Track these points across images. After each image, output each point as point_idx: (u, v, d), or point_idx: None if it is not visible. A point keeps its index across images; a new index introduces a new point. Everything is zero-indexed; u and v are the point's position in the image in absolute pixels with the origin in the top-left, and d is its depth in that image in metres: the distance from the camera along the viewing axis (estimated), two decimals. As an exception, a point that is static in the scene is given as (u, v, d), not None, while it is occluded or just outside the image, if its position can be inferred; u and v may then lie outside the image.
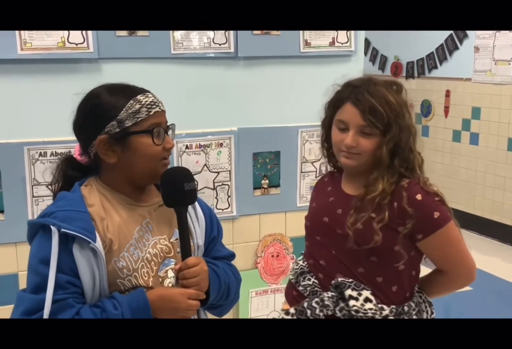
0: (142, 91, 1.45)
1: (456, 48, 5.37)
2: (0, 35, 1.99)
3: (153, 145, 1.42)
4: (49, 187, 1.57)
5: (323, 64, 2.51)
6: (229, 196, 2.45)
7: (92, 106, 1.43)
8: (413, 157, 1.62)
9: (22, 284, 2.10)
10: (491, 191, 5.14)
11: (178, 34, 2.25)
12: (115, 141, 1.40)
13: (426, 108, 5.69)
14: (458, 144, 5.40)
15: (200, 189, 2.40)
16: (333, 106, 1.67)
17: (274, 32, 2.38)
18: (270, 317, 2.61)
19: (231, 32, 2.32)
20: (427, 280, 1.76)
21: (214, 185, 2.43)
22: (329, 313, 1.61)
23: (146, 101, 1.42)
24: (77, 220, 1.36)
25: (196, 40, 2.29)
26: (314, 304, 1.62)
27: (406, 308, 1.63)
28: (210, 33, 2.30)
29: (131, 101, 1.40)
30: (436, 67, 5.59)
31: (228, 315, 2.54)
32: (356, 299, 1.59)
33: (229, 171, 2.44)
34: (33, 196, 2.16)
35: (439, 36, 5.47)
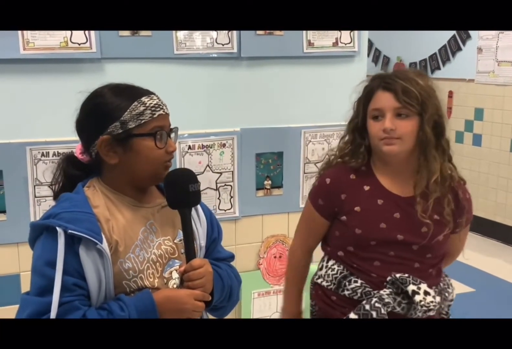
0: (147, 92, 1.44)
1: (459, 49, 5.36)
2: (2, 34, 1.98)
3: (156, 149, 1.41)
4: (51, 187, 1.55)
5: (326, 64, 2.51)
6: (231, 197, 2.45)
7: (96, 106, 1.41)
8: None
9: (24, 284, 2.11)
10: (494, 193, 5.12)
11: (181, 34, 2.25)
12: (117, 142, 1.39)
13: (429, 109, 5.67)
14: (460, 145, 5.38)
15: (203, 190, 2.38)
16: (364, 99, 1.67)
17: (277, 32, 2.37)
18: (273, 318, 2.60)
19: (234, 32, 2.32)
20: None
21: (216, 186, 2.42)
22: (389, 309, 1.62)
23: (151, 103, 1.41)
24: (83, 221, 1.34)
25: (199, 40, 2.28)
26: (377, 305, 1.61)
27: (442, 285, 1.73)
28: (213, 33, 2.29)
29: (136, 103, 1.39)
30: (439, 68, 5.58)
31: (230, 316, 2.54)
32: (418, 293, 1.62)
33: (232, 171, 2.43)
34: (35, 196, 2.15)
35: (442, 37, 5.46)
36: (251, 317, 2.56)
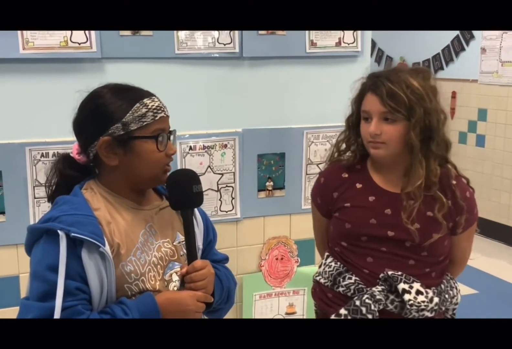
0: (148, 94, 1.42)
1: (463, 49, 5.35)
2: (1, 34, 1.96)
3: (156, 151, 1.39)
4: (45, 188, 1.51)
5: (329, 64, 2.49)
6: (233, 198, 2.43)
7: (96, 106, 1.39)
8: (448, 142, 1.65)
9: (23, 286, 2.08)
10: (498, 194, 5.11)
11: (182, 33, 2.23)
12: (118, 143, 1.38)
13: (432, 110, 5.65)
14: (464, 146, 5.37)
15: (204, 191, 2.35)
16: (358, 99, 1.67)
17: (279, 32, 2.35)
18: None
19: (236, 32, 2.30)
20: None
21: (218, 187, 2.40)
22: (381, 307, 1.62)
23: (153, 105, 1.39)
24: (85, 224, 1.32)
25: (201, 40, 2.26)
26: (367, 301, 1.61)
27: (442, 286, 1.69)
28: (215, 33, 2.27)
29: (138, 104, 1.38)
30: (442, 68, 5.56)
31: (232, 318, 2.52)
32: (409, 292, 1.61)
33: (233, 172, 2.41)
34: (35, 198, 2.13)
35: (446, 37, 5.45)
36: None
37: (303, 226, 2.39)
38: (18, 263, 2.14)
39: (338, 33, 2.45)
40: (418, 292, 1.62)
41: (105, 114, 1.38)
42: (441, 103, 1.65)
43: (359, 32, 2.48)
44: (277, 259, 2.55)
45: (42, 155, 2.11)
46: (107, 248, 1.32)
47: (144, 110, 1.38)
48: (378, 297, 1.62)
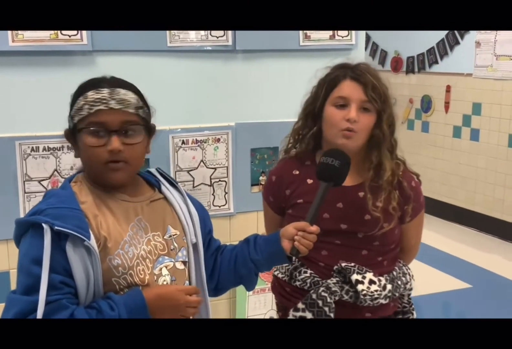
0: (103, 86, 1.37)
1: (457, 43, 5.34)
2: (-10, 26, 1.94)
3: (94, 146, 1.36)
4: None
5: (323, 57, 2.43)
6: (226, 193, 2.42)
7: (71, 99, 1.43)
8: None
9: (14, 282, 2.06)
10: (492, 188, 5.11)
11: (174, 26, 2.20)
12: (70, 135, 1.41)
13: (426, 104, 5.66)
14: (458, 140, 5.37)
15: (197, 186, 2.35)
16: (327, 86, 1.68)
17: (273, 25, 2.33)
18: (268, 315, 2.57)
19: (229, 24, 2.27)
20: None
21: (211, 182, 2.38)
22: (337, 298, 1.66)
23: (93, 97, 1.35)
24: (70, 217, 1.31)
25: (193, 32, 2.24)
26: (323, 293, 1.65)
27: (394, 273, 1.75)
28: (208, 26, 2.25)
29: (81, 97, 1.37)
30: (436, 62, 5.55)
31: (225, 315, 2.51)
32: (362, 282, 1.65)
33: (226, 167, 2.40)
34: (25, 192, 2.11)
35: (440, 31, 5.43)
36: (246, 314, 2.53)
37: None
38: (9, 258, 2.12)
39: (332, 26, 2.43)
40: (371, 282, 1.67)
41: (70, 107, 1.40)
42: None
43: (353, 25, 2.46)
44: (270, 254, 2.53)
45: (32, 149, 2.09)
46: (92, 241, 1.31)
47: (82, 103, 1.36)
48: (333, 289, 1.66)
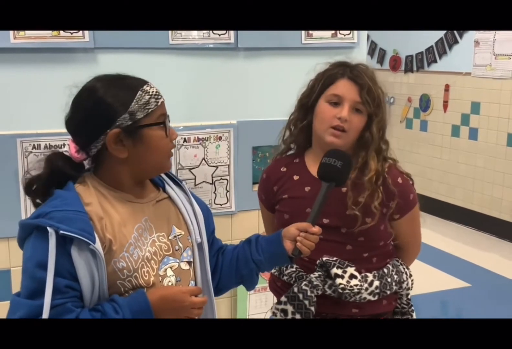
0: (143, 81, 1.39)
1: (456, 42, 5.33)
2: (-8, 23, 1.93)
3: (164, 137, 1.38)
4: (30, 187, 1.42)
5: (325, 56, 2.38)
6: (227, 191, 2.41)
7: (96, 101, 1.34)
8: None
9: (15, 280, 2.06)
10: (490, 187, 5.11)
11: (176, 23, 2.19)
12: (127, 134, 1.34)
13: (425, 103, 5.66)
14: (457, 139, 5.37)
15: (198, 184, 2.35)
16: (324, 81, 1.69)
17: (275, 23, 2.32)
18: (269, 314, 2.57)
19: (231, 22, 2.27)
20: None
21: (212, 180, 2.38)
22: (319, 292, 1.68)
23: (153, 91, 1.37)
24: (75, 220, 1.29)
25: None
26: (304, 287, 1.68)
27: (385, 270, 1.74)
28: (210, 23, 2.24)
29: (140, 92, 1.35)
30: (435, 61, 5.55)
31: (226, 313, 2.50)
32: (342, 276, 1.66)
33: (228, 165, 2.39)
34: (26, 190, 2.09)
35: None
36: (247, 313, 2.53)
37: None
38: (10, 256, 2.11)
39: (335, 24, 2.43)
40: (352, 276, 1.67)
41: (109, 107, 1.33)
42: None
43: (355, 23, 2.46)
44: (271, 252, 2.53)
45: (33, 147, 2.08)
46: (97, 245, 1.29)
47: (147, 97, 1.35)
48: (315, 283, 1.68)
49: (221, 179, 2.39)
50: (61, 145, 2.08)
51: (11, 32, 1.98)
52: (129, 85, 1.36)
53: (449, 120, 5.42)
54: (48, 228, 1.26)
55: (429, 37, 5.52)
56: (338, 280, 1.65)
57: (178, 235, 1.47)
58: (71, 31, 2.04)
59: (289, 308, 1.69)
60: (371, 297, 1.69)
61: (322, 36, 2.43)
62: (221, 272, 1.59)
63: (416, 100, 5.72)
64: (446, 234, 5.01)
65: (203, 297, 1.42)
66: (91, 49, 2.11)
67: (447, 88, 5.40)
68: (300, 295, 1.67)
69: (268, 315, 2.57)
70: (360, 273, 1.69)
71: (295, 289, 1.69)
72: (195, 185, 2.33)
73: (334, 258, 1.68)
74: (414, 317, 1.85)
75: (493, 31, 4.91)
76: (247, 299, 2.51)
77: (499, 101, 4.96)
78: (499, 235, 5.04)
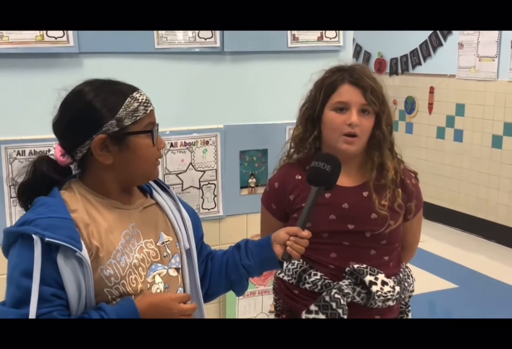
0: (134, 88, 1.38)
1: (440, 44, 5.37)
2: (-26, 28, 1.89)
3: (151, 146, 1.37)
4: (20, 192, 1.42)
5: (311, 59, 2.45)
6: (215, 196, 2.39)
7: (85, 105, 1.33)
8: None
9: (0, 288, 2.02)
10: (475, 188, 5.14)
11: (162, 28, 2.17)
12: (112, 141, 1.33)
13: (410, 105, 5.68)
14: (442, 141, 5.40)
15: (186, 189, 2.33)
16: (325, 90, 1.68)
17: (261, 27, 2.31)
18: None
19: (217, 26, 2.25)
20: None
21: (200, 184, 2.36)
22: (349, 300, 1.66)
23: (142, 99, 1.36)
24: (61, 228, 1.27)
25: (181, 34, 2.21)
26: (336, 295, 1.64)
27: (401, 275, 1.75)
28: (195, 27, 2.22)
29: (129, 99, 1.34)
30: (420, 64, 5.58)
31: (215, 318, 2.48)
32: (375, 283, 1.65)
33: (215, 169, 2.37)
34: (11, 197, 2.06)
35: (423, 33, 5.47)
36: (236, 318, 2.51)
37: (287, 223, 2.35)
38: (-6, 264, 2.07)
39: (320, 28, 2.42)
40: (383, 283, 1.67)
41: (96, 112, 1.32)
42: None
43: (341, 26, 2.46)
44: (260, 257, 2.51)
45: (18, 153, 2.05)
46: (84, 252, 1.28)
47: (135, 104, 1.34)
48: (346, 290, 1.65)
49: (209, 183, 2.37)
50: (46, 151, 2.04)
51: (-6, 37, 1.95)
52: (119, 91, 1.35)
53: (434, 122, 5.45)
54: (33, 235, 1.24)
55: (414, 40, 5.56)
56: (374, 287, 1.64)
57: (166, 242, 1.45)
58: (55, 36, 2.02)
59: (321, 317, 1.65)
60: (392, 303, 1.69)
61: (308, 39, 2.41)
62: (211, 278, 1.58)
63: (401, 102, 5.75)
64: (433, 236, 5.02)
65: (192, 304, 1.41)
66: (76, 54, 2.07)
67: (432, 90, 5.43)
68: (333, 304, 1.64)
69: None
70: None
71: (327, 298, 1.65)
72: (182, 190, 2.31)
73: (364, 265, 1.67)
74: (410, 317, 1.86)
75: (477, 34, 4.95)
76: (236, 304, 2.49)
77: (483, 103, 4.99)
78: (485, 236, 5.07)
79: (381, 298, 1.65)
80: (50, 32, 2.01)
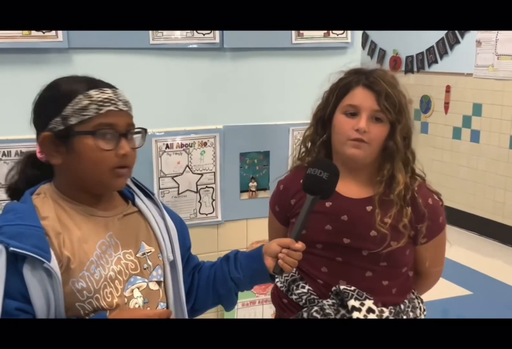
0: (102, 86, 1.29)
1: (457, 42, 5.29)
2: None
3: (99, 150, 1.26)
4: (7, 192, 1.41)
5: (317, 56, 2.39)
6: (213, 200, 2.33)
7: (42, 99, 1.30)
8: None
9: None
10: (492, 191, 5.06)
11: (158, 22, 2.09)
12: (59, 140, 1.26)
13: (426, 104, 5.63)
14: (458, 141, 5.32)
15: (182, 193, 2.27)
16: (339, 92, 1.60)
17: (263, 21, 2.23)
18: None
19: (217, 20, 2.17)
20: None
21: (197, 188, 2.30)
22: None
23: (99, 97, 1.26)
24: (28, 236, 1.20)
25: (178, 29, 2.14)
26: (315, 314, 1.58)
27: (402, 306, 1.64)
28: (194, 22, 2.14)
29: (80, 96, 1.25)
30: (436, 62, 5.51)
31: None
32: (359, 310, 1.55)
33: (214, 172, 2.31)
34: (-2, 200, 1.99)
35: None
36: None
37: (289, 230, 2.28)
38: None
39: (327, 23, 2.33)
40: (370, 310, 1.56)
41: (46, 108, 1.28)
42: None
43: (349, 22, 2.37)
44: (261, 264, 2.44)
45: (3, 154, 1.99)
46: (53, 263, 1.20)
47: (85, 102, 1.24)
48: (327, 311, 1.58)
49: (207, 187, 2.31)
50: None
51: (-22, 31, 1.87)
52: (77, 87, 1.26)
53: (450, 122, 5.39)
54: None
55: (430, 37, 5.50)
56: (355, 314, 1.55)
57: (148, 253, 1.37)
58: (43, 30, 1.94)
59: None
60: None
61: (314, 35, 2.35)
62: (197, 292, 1.50)
63: (417, 101, 5.68)
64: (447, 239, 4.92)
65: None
66: (65, 49, 2.01)
67: (448, 89, 5.35)
68: None
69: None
70: (377, 306, 1.58)
71: (305, 315, 1.60)
72: (178, 193, 2.26)
73: (352, 288, 1.58)
74: (411, 316, 1.73)
75: (495, 31, 4.88)
76: (235, 313, 2.43)
77: (501, 103, 4.92)
78: (501, 241, 4.98)
79: None
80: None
